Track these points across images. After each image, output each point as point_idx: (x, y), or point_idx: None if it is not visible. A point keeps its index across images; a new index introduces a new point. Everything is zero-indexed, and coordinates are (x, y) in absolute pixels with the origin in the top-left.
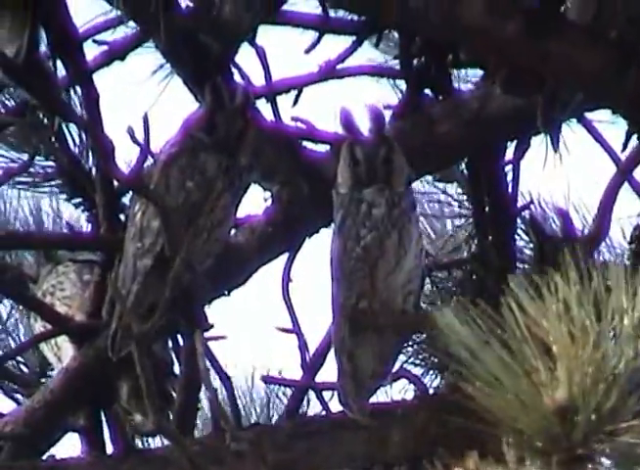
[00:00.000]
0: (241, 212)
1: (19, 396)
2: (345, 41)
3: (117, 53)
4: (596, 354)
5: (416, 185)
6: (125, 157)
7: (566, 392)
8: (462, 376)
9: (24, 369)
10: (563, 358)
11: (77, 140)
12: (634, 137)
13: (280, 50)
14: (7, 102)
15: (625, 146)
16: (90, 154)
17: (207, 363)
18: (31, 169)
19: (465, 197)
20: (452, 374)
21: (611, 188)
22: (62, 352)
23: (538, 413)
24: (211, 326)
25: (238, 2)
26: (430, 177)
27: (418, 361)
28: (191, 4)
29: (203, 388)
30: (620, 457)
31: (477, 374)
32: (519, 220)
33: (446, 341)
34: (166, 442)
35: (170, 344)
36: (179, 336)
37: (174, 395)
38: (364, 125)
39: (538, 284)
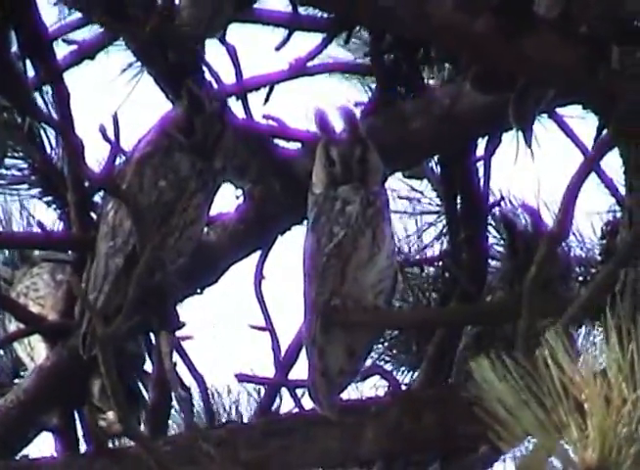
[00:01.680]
0: (213, 210)
1: None
2: (316, 39)
3: (87, 52)
4: (629, 417)
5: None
6: (98, 156)
7: (597, 452)
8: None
9: None
10: (595, 418)
11: (50, 140)
12: (604, 132)
13: (250, 47)
14: None
15: (596, 141)
16: (62, 153)
17: (180, 361)
18: (4, 171)
19: (435, 194)
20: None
21: (575, 181)
22: (35, 352)
23: None
24: (183, 325)
25: (198, 5)
26: (399, 174)
27: (389, 358)
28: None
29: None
30: None
31: (511, 430)
32: (490, 217)
33: (483, 395)
34: None
35: (144, 342)
36: (152, 334)
37: (145, 394)
38: (338, 125)
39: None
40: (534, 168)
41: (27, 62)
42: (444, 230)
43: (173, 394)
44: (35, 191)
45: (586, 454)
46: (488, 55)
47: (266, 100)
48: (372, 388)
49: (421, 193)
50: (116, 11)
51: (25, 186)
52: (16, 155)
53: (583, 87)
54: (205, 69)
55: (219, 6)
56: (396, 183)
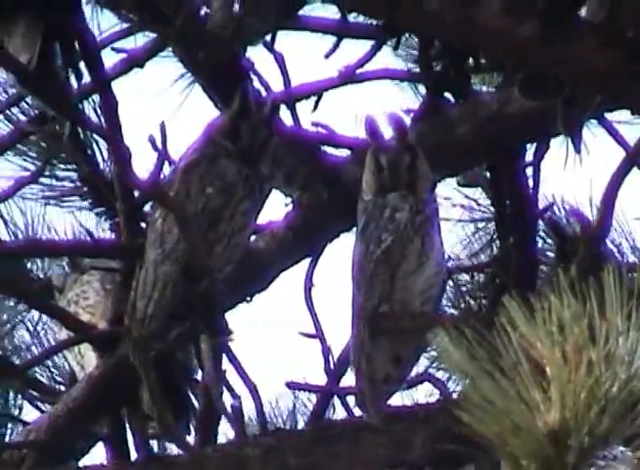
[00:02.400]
0: (262, 218)
1: (42, 404)
2: (365, 46)
3: (137, 60)
4: (590, 378)
5: (439, 189)
6: (147, 165)
7: (559, 414)
8: (456, 401)
9: (48, 378)
10: (556, 381)
11: (100, 149)
12: None
13: (299, 55)
14: (25, 112)
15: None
16: (110, 162)
17: (232, 370)
18: (54, 182)
19: (489, 201)
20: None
21: (614, 179)
22: (85, 361)
23: (531, 437)
24: (232, 332)
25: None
26: (453, 182)
27: (442, 365)
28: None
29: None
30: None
31: (471, 398)
32: (540, 222)
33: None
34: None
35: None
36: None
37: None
38: (388, 132)
39: (532, 304)
40: (584, 174)
41: (75, 71)
42: (495, 236)
43: (215, 402)
44: (86, 203)
45: (549, 417)
46: (533, 60)
47: (315, 107)
48: (425, 396)
49: (475, 201)
50: (147, 8)
51: (76, 197)
52: (68, 167)
53: (629, 92)
54: (253, 77)
55: (251, 10)
56: (451, 191)
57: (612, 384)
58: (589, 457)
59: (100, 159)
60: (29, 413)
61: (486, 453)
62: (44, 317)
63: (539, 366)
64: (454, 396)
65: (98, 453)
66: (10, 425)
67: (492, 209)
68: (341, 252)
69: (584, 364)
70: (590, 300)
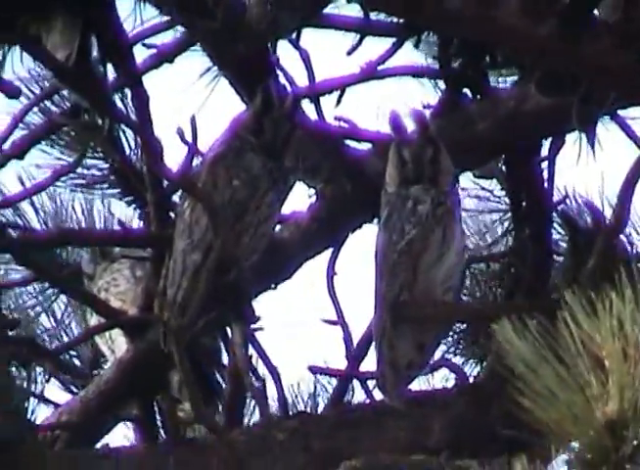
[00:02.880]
0: (286, 209)
1: (74, 387)
2: (386, 43)
3: (166, 56)
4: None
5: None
6: (176, 157)
7: (617, 406)
8: (518, 389)
9: (79, 362)
10: (615, 374)
11: (129, 141)
12: None
13: (323, 52)
14: (60, 105)
15: None
16: (141, 154)
17: (255, 354)
18: (85, 171)
19: (504, 193)
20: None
21: (631, 175)
22: (115, 345)
23: (589, 426)
24: (258, 318)
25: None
26: (469, 173)
27: (458, 351)
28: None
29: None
30: None
31: (532, 387)
32: (554, 214)
33: (504, 354)
34: None
35: (220, 336)
36: (228, 329)
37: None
38: (410, 126)
39: (593, 300)
40: (598, 168)
41: (108, 65)
42: (510, 227)
43: (247, 384)
44: (115, 191)
45: (607, 408)
46: (551, 58)
47: (338, 102)
48: (441, 380)
49: (490, 192)
50: (187, 3)
51: (106, 186)
52: (96, 155)
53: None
54: (279, 72)
55: (282, 6)
56: (467, 182)
57: None
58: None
59: (128, 149)
60: (59, 396)
61: (541, 440)
62: (69, 305)
63: (599, 360)
64: (470, 380)
65: (119, 433)
66: (35, 404)
67: (507, 200)
68: (362, 241)
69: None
70: None
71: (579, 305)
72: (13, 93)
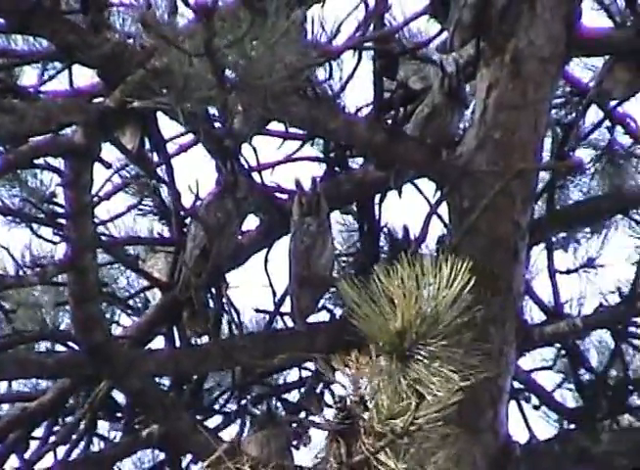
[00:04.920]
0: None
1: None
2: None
3: (185, 148)
4: (417, 308)
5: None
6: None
7: (400, 323)
8: (353, 317)
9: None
10: (399, 307)
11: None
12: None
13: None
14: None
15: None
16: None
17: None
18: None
19: (355, 221)
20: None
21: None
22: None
23: (389, 334)
24: (228, 283)
25: (240, 120)
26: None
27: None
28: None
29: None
30: (429, 357)
31: (361, 315)
32: (383, 233)
33: (347, 301)
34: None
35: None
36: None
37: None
38: (307, 186)
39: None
40: (405, 205)
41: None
42: (358, 239)
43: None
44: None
45: (396, 324)
46: (381, 154)
47: (272, 173)
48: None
49: (346, 221)
50: (213, 140)
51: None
52: (148, 195)
53: (430, 168)
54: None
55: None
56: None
57: (427, 311)
58: (415, 345)
59: (165, 192)
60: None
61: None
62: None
63: (393, 300)
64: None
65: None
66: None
67: (356, 224)
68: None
69: (416, 302)
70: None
71: (385, 273)
72: (107, 165)
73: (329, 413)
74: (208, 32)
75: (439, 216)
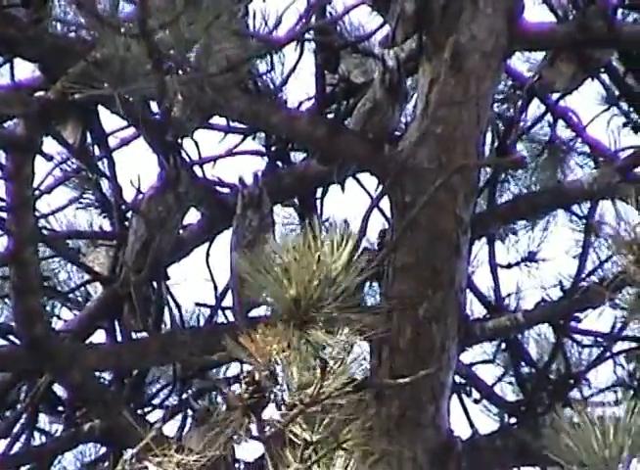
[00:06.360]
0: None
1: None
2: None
3: (126, 142)
4: (311, 273)
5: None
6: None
7: (295, 291)
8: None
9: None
10: (294, 278)
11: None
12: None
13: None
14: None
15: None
16: (112, 189)
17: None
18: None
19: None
20: None
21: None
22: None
23: (285, 301)
24: (169, 277)
25: (179, 109)
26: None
27: None
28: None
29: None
30: (325, 322)
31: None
32: None
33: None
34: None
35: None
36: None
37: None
38: (250, 181)
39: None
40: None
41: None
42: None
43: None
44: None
45: (291, 291)
46: (324, 148)
47: (213, 167)
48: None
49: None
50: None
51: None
52: (90, 192)
53: (371, 163)
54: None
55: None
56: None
57: (320, 276)
58: (311, 309)
59: (106, 188)
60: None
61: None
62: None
63: (287, 270)
64: None
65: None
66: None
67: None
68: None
69: (308, 267)
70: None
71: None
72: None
73: (239, 389)
74: (143, 13)
75: (381, 211)
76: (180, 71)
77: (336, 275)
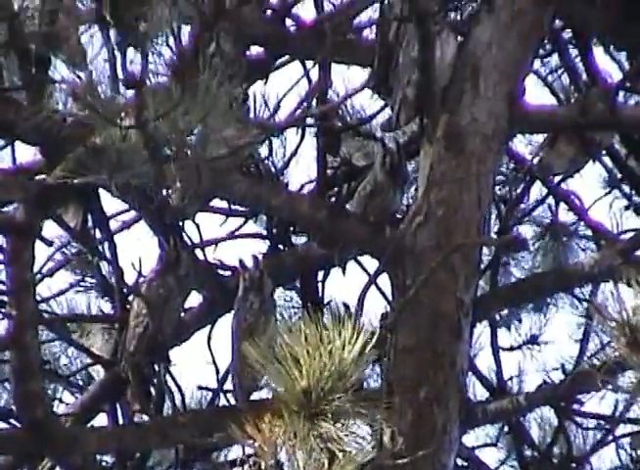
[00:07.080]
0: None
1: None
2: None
3: (127, 225)
4: (321, 368)
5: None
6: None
7: (306, 383)
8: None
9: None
10: (304, 368)
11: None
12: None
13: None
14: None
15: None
16: (113, 272)
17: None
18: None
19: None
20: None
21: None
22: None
23: (295, 393)
24: (171, 360)
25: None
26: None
27: None
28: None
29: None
30: (333, 415)
31: (267, 377)
32: None
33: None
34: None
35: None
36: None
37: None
38: (250, 264)
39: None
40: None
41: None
42: None
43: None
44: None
45: (302, 383)
46: (323, 231)
47: (214, 251)
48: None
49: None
50: (145, 206)
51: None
52: (91, 274)
53: (372, 245)
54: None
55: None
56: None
57: (331, 367)
58: (322, 401)
59: (106, 271)
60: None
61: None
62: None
63: (299, 361)
64: None
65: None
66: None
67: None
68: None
69: (320, 359)
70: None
71: (287, 333)
72: (48, 243)
73: None
74: (138, 104)
75: (383, 293)
76: (179, 156)
77: (347, 368)
